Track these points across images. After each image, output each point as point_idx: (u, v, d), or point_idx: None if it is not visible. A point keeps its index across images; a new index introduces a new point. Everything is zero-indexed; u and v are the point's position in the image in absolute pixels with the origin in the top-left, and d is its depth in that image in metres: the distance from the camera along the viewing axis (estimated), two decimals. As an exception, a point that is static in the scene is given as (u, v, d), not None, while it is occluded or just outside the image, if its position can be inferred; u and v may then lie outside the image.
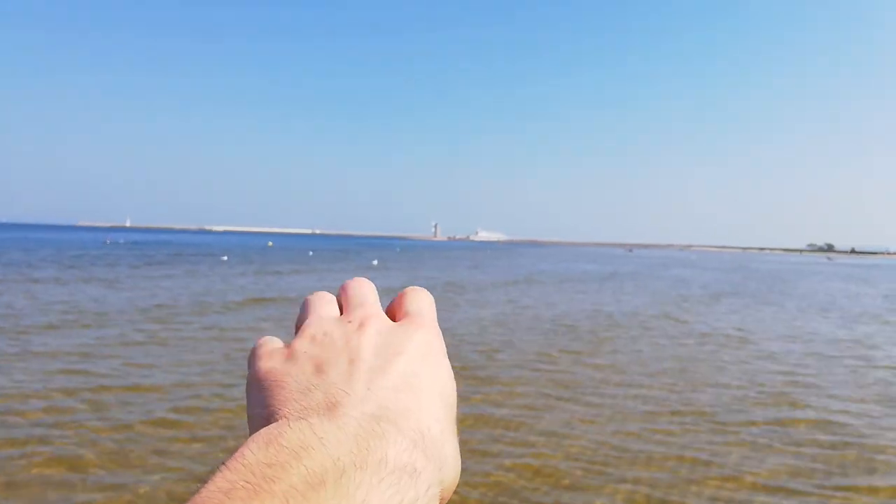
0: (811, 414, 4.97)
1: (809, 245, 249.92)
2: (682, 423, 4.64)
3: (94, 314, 8.99)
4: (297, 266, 24.59)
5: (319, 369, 0.24)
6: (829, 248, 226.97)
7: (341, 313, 0.29)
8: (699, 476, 3.62)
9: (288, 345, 0.26)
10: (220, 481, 0.18)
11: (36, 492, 3.16)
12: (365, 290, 0.30)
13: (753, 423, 4.68)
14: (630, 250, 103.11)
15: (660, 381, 5.94)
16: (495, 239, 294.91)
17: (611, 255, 62.96)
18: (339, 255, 40.23)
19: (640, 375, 6.17)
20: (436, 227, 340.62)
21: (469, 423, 4.37)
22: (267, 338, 0.28)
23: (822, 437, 4.42)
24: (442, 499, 0.22)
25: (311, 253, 40.87)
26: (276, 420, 0.21)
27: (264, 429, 0.20)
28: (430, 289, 0.32)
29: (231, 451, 0.19)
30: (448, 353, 0.27)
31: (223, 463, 0.19)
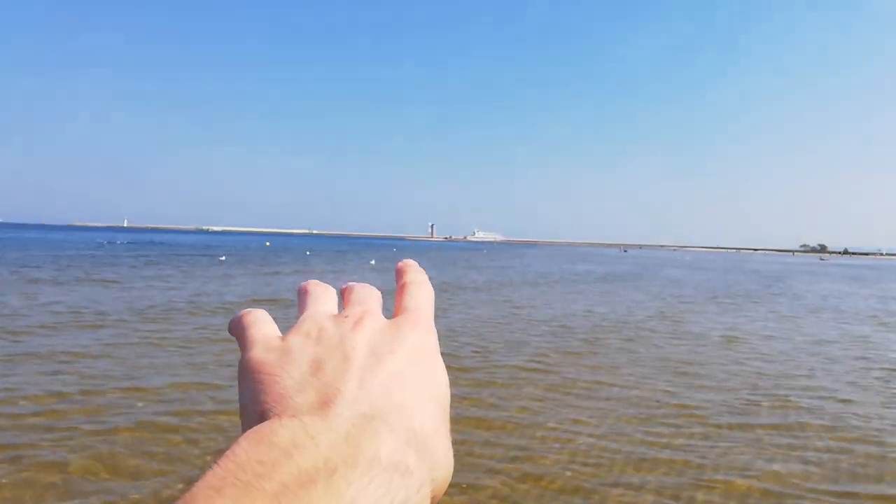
0: (820, 418, 4.97)
1: (802, 246, 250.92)
2: (682, 425, 4.64)
3: (90, 315, 8.93)
4: (295, 266, 24.53)
5: (313, 366, 0.24)
6: (822, 249, 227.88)
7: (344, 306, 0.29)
8: (706, 479, 3.61)
9: (283, 337, 0.26)
10: (211, 478, 0.18)
11: (23, 497, 3.14)
12: (367, 293, 0.30)
13: (759, 426, 4.68)
14: (624, 250, 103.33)
15: (656, 383, 5.97)
16: (492, 239, 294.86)
17: (605, 256, 63.05)
18: (336, 255, 40.17)
19: (636, 377, 6.21)
20: (432, 227, 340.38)
21: (462, 426, 4.39)
22: (254, 314, 0.28)
23: (829, 440, 4.40)
24: (433, 497, 0.22)
25: (308, 253, 40.79)
26: (270, 418, 0.21)
27: (256, 426, 0.20)
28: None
29: (221, 454, 0.18)
30: (443, 353, 0.27)
31: (215, 461, 0.19)
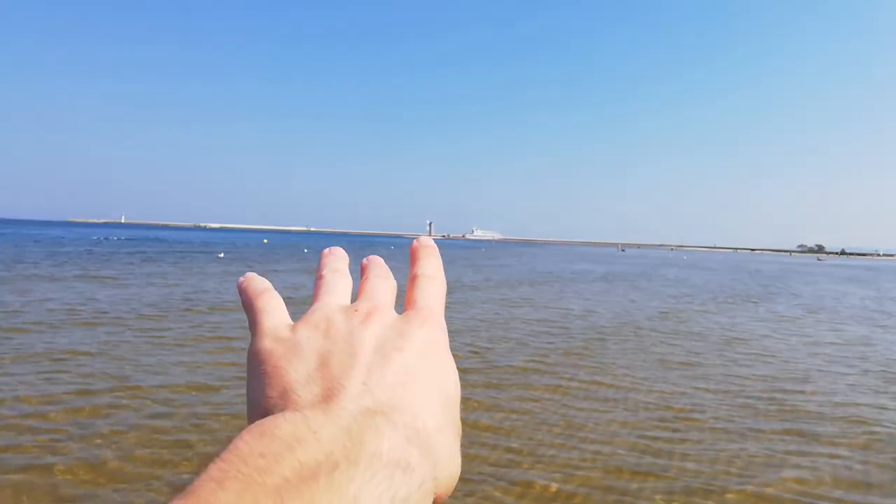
0: (831, 422, 4.94)
1: (800, 246, 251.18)
2: (686, 428, 4.60)
3: (85, 312, 8.85)
4: (293, 264, 24.45)
5: (320, 361, 0.24)
6: (820, 249, 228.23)
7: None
8: (719, 485, 3.55)
9: (292, 327, 0.26)
10: (213, 471, 0.18)
11: (6, 501, 3.08)
12: (381, 286, 0.30)
13: (771, 431, 4.63)
14: (622, 250, 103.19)
15: (657, 384, 5.93)
16: (490, 238, 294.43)
17: (603, 255, 63.02)
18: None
19: (635, 378, 6.17)
20: (430, 225, 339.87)
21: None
22: (267, 298, 0.28)
23: (845, 443, 4.36)
24: (439, 496, 0.22)
25: (306, 250, 40.70)
26: (274, 413, 0.21)
27: (260, 420, 0.20)
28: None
29: (210, 458, 0.18)
30: None
31: (218, 454, 0.19)
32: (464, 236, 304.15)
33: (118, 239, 48.22)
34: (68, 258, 21.27)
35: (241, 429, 0.20)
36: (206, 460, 0.17)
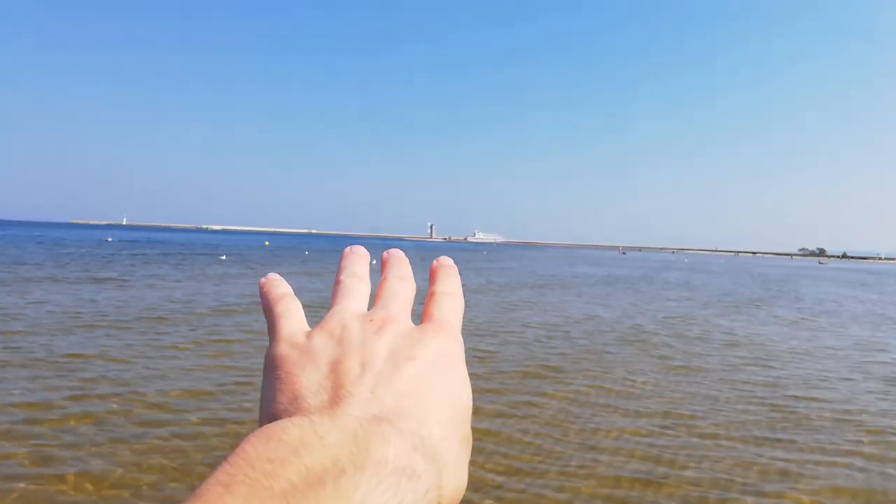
0: (854, 432, 4.86)
1: (801, 249, 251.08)
2: (699, 437, 4.51)
3: (85, 315, 8.78)
4: (294, 267, 24.41)
5: (331, 368, 0.24)
6: (821, 253, 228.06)
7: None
8: (732, 499, 3.46)
9: (308, 333, 0.26)
10: (220, 475, 0.18)
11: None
12: (399, 291, 0.30)
13: (787, 440, 4.54)
14: (623, 253, 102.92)
15: (666, 393, 5.85)
16: (492, 240, 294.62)
17: (604, 258, 62.92)
18: (336, 255, 39.93)
19: (635, 383, 6.09)
20: (431, 227, 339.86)
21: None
22: (286, 303, 0.29)
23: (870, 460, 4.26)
24: None
25: (307, 252, 40.68)
26: (282, 418, 0.22)
27: (268, 424, 0.20)
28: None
29: (206, 466, 0.20)
30: None
31: (225, 457, 0.19)
32: (465, 239, 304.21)
33: (120, 240, 48.22)
34: (70, 260, 21.24)
35: (236, 435, 0.23)
36: (203, 467, 0.15)
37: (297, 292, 0.28)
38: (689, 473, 3.79)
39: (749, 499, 3.45)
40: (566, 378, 6.23)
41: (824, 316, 13.63)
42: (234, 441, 3.95)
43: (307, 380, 0.23)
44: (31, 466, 3.50)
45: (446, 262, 0.32)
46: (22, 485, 3.27)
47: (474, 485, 3.48)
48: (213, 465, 0.18)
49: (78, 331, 7.62)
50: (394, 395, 0.23)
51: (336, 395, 0.22)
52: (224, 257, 28.02)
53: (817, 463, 4.07)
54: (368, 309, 0.29)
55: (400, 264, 0.32)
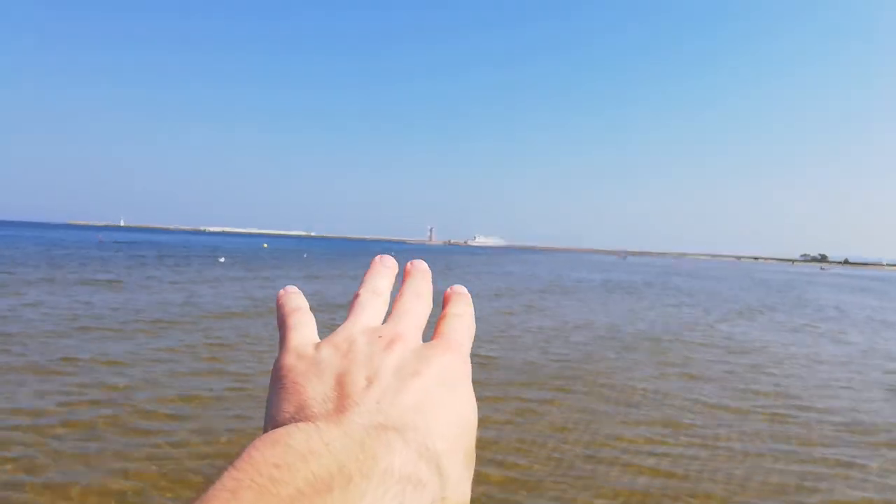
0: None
1: (803, 255, 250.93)
2: (713, 448, 4.46)
3: (80, 318, 8.70)
4: (293, 270, 24.34)
5: (338, 381, 0.24)
6: (823, 259, 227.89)
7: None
8: None
9: (317, 345, 0.27)
10: (227, 480, 0.18)
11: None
12: (413, 309, 0.30)
13: (803, 453, 4.47)
14: (624, 257, 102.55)
15: (667, 400, 5.77)
16: (492, 244, 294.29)
17: (605, 263, 62.83)
18: (334, 258, 39.90)
19: (635, 389, 6.02)
20: (431, 230, 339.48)
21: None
22: (298, 316, 0.29)
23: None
24: None
25: (305, 255, 40.57)
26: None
27: (272, 430, 0.21)
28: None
29: (200, 474, 0.18)
30: None
31: (231, 462, 0.19)
32: (466, 242, 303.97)
33: (117, 242, 48.12)
34: (66, 261, 21.17)
35: (232, 443, 0.23)
36: (194, 475, 0.13)
37: (308, 299, 0.29)
38: (688, 485, 3.72)
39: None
40: (566, 385, 6.15)
41: (828, 322, 13.55)
42: (227, 449, 3.87)
43: (313, 391, 0.24)
44: (12, 473, 3.42)
45: (460, 289, 0.33)
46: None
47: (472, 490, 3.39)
48: (204, 473, 0.12)
49: (74, 333, 7.54)
50: (399, 407, 0.23)
51: (342, 404, 0.23)
52: (223, 259, 27.94)
53: (823, 476, 3.99)
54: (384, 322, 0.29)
55: (420, 280, 0.32)
